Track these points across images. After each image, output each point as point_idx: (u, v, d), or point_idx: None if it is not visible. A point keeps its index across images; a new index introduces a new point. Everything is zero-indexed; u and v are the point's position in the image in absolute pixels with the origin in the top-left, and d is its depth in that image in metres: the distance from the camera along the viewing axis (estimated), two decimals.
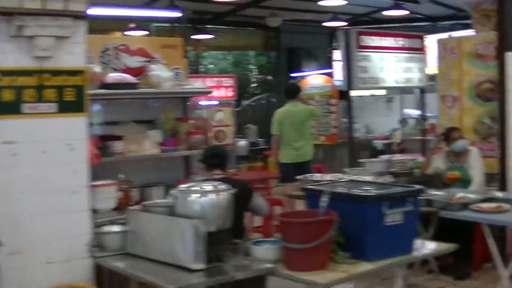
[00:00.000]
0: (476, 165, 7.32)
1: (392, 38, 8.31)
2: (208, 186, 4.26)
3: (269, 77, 17.74)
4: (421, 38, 8.75)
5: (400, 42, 8.42)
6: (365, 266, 4.15)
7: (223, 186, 4.31)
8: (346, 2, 11.10)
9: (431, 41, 8.56)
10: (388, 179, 7.19)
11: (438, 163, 7.52)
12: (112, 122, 6.33)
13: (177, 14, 11.51)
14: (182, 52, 6.94)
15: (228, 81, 13.47)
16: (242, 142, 13.66)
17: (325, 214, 4.20)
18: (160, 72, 6.47)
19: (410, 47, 8.57)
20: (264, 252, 4.27)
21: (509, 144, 7.38)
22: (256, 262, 4.22)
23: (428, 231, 6.53)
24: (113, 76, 6.19)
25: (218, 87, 13.24)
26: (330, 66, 14.86)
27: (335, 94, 13.07)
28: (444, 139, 7.51)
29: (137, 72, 6.62)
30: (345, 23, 12.66)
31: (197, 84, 6.98)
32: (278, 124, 9.02)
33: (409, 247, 4.40)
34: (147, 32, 13.15)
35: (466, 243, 6.30)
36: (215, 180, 5.25)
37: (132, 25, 12.80)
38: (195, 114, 10.43)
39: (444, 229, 6.30)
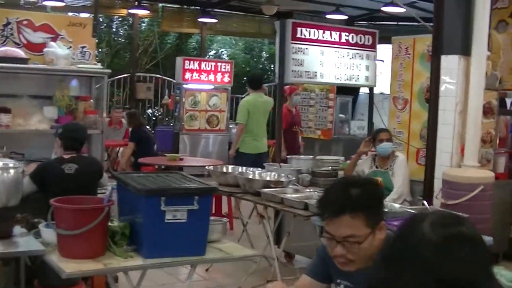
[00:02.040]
0: (399, 173, 6.91)
1: (336, 32, 7.90)
2: None
3: None
4: (373, 35, 8.31)
5: (345, 37, 8.00)
6: (134, 262, 3.95)
7: (12, 164, 4.24)
8: None
9: None
10: (305, 178, 6.92)
11: (364, 166, 7.15)
12: (6, 95, 6.33)
13: None
14: (92, 31, 6.82)
15: (225, 66, 13.24)
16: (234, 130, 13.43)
17: (108, 202, 4.07)
18: (57, 49, 6.38)
19: (358, 43, 8.14)
20: (47, 235, 4.13)
21: (438, 153, 6.98)
22: (38, 244, 4.09)
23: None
24: (2, 50, 6.18)
25: (215, 71, 13.06)
26: None
27: (333, 89, 12.70)
28: (371, 140, 7.13)
29: (40, 47, 6.60)
30: (346, 17, 12.22)
31: (97, 65, 6.74)
32: (246, 114, 8.91)
33: (196, 249, 4.13)
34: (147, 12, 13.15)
35: None
36: (65, 159, 5.20)
37: (135, 3, 12.80)
38: (293, 101, 10.22)
39: None
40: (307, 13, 13.92)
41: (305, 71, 7.71)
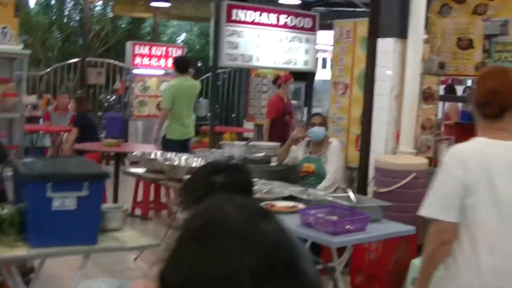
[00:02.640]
0: (332, 159, 6.69)
1: (273, 14, 7.67)
2: None
3: None
4: (313, 17, 8.09)
5: (284, 19, 7.77)
6: (19, 251, 3.71)
7: None
8: None
9: None
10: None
11: (298, 152, 6.94)
12: None
13: None
14: (14, 11, 6.52)
15: (177, 51, 12.93)
16: None
17: None
18: None
19: (296, 26, 7.92)
20: None
21: (373, 139, 6.81)
22: None
23: None
24: None
25: (166, 57, 12.76)
26: None
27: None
28: (306, 125, 6.93)
29: None
30: (299, 1, 11.97)
31: (19, 46, 6.46)
32: (170, 99, 8.52)
33: (87, 237, 3.90)
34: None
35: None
36: None
37: None
38: (287, 89, 9.34)
39: None
40: None
41: (240, 55, 7.49)
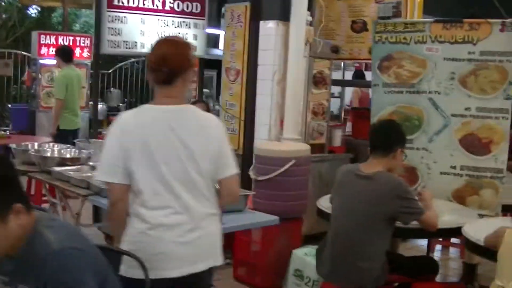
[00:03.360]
0: None
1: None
2: None
3: None
4: (201, 2, 7.85)
5: (170, 4, 7.52)
6: None
7: None
8: None
9: None
10: None
11: None
12: None
13: None
14: None
15: (85, 41, 12.52)
16: (100, 106, 12.77)
17: None
18: None
19: (184, 10, 7.67)
20: None
21: (257, 126, 6.62)
22: None
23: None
24: None
25: (73, 46, 12.27)
26: None
27: (196, 63, 12.20)
28: None
29: None
30: None
31: None
32: (64, 89, 8.26)
33: None
34: None
35: None
36: None
37: None
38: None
39: None
40: None
41: (124, 41, 7.24)
